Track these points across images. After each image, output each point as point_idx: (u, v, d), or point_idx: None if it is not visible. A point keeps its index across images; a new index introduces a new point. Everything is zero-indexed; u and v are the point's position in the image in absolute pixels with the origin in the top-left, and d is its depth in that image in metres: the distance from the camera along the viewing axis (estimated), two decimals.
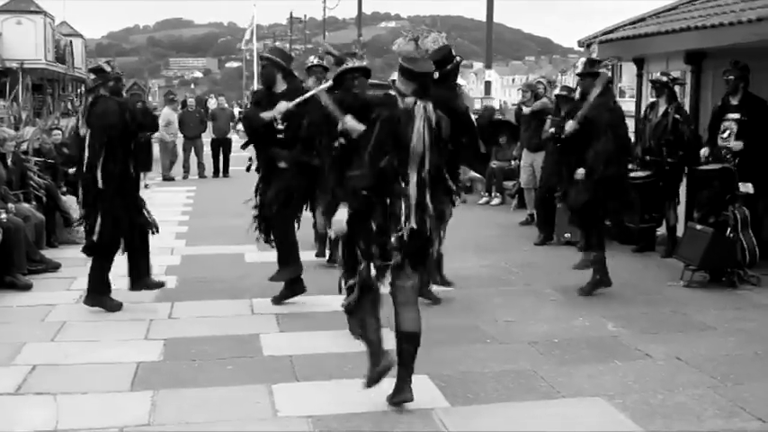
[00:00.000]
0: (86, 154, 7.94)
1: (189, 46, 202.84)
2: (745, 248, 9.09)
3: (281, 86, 8.25)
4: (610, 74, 9.07)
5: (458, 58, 8.09)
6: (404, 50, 7.86)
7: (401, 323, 5.56)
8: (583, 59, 9.90)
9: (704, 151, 9.92)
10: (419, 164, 5.40)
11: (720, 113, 9.89)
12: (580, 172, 8.64)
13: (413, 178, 5.40)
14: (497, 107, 22.63)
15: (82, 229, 11.00)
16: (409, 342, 5.56)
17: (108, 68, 8.20)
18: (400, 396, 5.58)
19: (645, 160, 10.75)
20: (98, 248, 8.10)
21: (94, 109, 7.99)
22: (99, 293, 8.16)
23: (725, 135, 9.75)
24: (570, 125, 8.73)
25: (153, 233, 8.45)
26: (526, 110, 13.26)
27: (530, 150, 13.18)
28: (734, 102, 9.76)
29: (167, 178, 21.21)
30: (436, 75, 7.93)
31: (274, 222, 8.37)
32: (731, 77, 9.70)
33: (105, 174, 7.85)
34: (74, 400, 5.84)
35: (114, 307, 8.14)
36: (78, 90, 46.57)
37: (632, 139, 11.58)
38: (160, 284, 8.57)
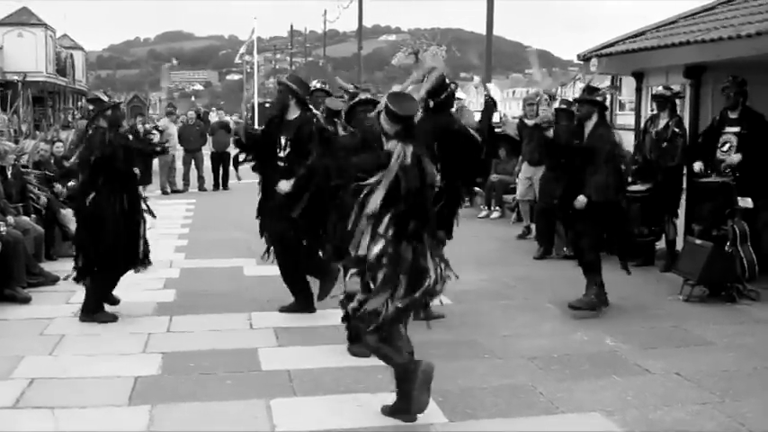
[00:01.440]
0: (79, 181, 8.13)
1: (189, 58, 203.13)
2: (745, 263, 9.08)
3: (293, 113, 8.33)
4: (609, 102, 9.01)
5: (452, 86, 8.12)
6: (404, 64, 7.90)
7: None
8: (581, 85, 9.88)
9: (698, 165, 9.93)
10: (396, 202, 5.41)
11: (719, 127, 9.91)
12: (581, 200, 8.60)
13: (386, 217, 5.40)
14: (497, 119, 22.61)
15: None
16: None
17: (105, 98, 8.32)
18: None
19: (644, 173, 10.75)
20: (91, 271, 8.20)
21: (89, 140, 8.09)
22: (92, 311, 8.26)
23: (724, 149, 9.77)
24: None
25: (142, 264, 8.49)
26: (529, 122, 13.21)
27: (530, 164, 13.15)
28: (733, 115, 9.79)
29: (174, 191, 21.17)
30: (431, 104, 8.03)
31: (280, 262, 8.50)
32: (731, 93, 9.73)
33: (96, 202, 7.99)
34: (72, 414, 5.83)
35: (109, 319, 8.21)
36: (79, 103, 46.66)
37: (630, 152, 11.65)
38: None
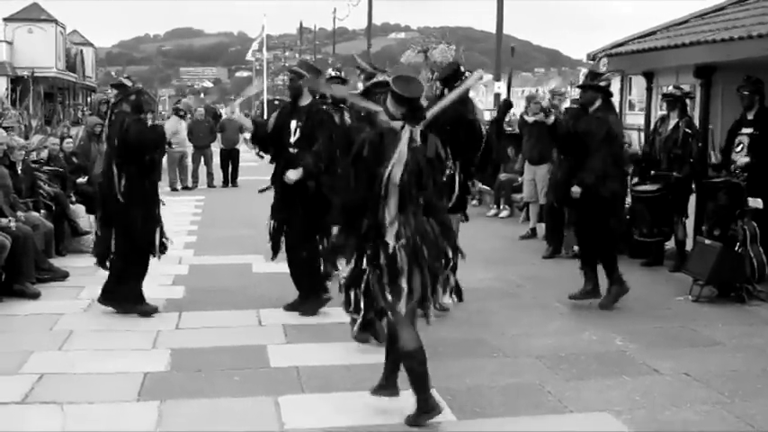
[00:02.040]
0: (105, 168, 8.17)
1: (199, 55, 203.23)
2: (754, 263, 9.07)
3: (305, 99, 8.32)
4: (612, 87, 8.99)
5: (466, 74, 8.10)
6: (413, 62, 7.90)
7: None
8: (585, 71, 9.88)
9: (714, 156, 9.93)
10: (402, 185, 5.30)
11: (736, 128, 9.89)
12: (575, 191, 8.61)
13: (393, 200, 5.31)
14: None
15: (91, 237, 11.15)
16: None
17: (128, 83, 8.36)
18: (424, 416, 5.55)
19: (654, 174, 10.73)
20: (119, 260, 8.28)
21: (114, 125, 8.13)
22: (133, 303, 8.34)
23: (738, 149, 9.74)
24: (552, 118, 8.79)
25: (154, 255, 8.51)
26: (529, 119, 13.18)
27: (531, 163, 13.09)
28: (749, 116, 9.76)
29: (184, 187, 21.14)
30: (445, 91, 8.02)
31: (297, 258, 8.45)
32: (746, 92, 9.69)
33: (124, 188, 8.03)
34: (80, 410, 5.85)
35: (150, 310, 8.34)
36: (88, 99, 46.77)
37: (638, 151, 11.63)
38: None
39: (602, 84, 8.83)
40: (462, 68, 8.27)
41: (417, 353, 5.46)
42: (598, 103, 8.72)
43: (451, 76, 8.17)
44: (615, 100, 11.31)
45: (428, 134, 5.51)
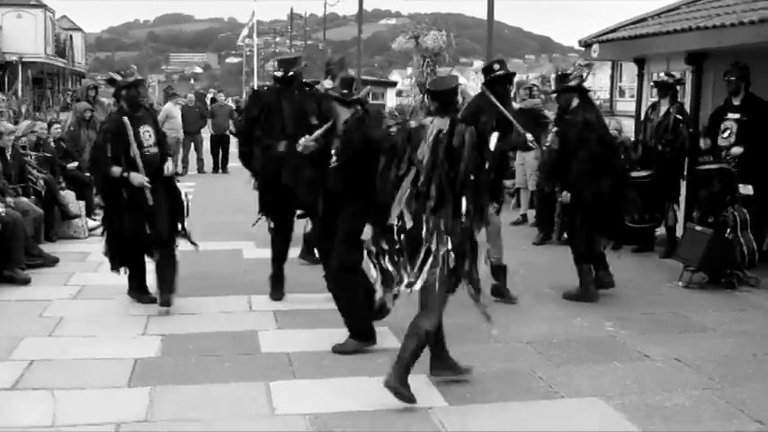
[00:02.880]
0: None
1: (189, 41, 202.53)
2: (745, 250, 9.09)
3: None
4: (586, 82, 8.91)
5: (502, 69, 8.17)
6: (404, 48, 7.89)
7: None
8: (554, 75, 9.79)
9: (704, 142, 9.93)
10: (423, 173, 5.53)
11: (722, 113, 9.89)
12: (565, 196, 8.61)
13: (406, 183, 5.57)
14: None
15: (80, 223, 11.08)
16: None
17: (118, 77, 8.10)
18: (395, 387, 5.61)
19: (646, 160, 10.75)
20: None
21: (102, 125, 8.16)
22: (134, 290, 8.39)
23: (725, 135, 9.75)
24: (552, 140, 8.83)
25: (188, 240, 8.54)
26: (516, 105, 13.13)
27: (521, 150, 13.04)
28: (735, 102, 9.77)
29: (175, 173, 20.94)
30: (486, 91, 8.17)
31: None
32: (732, 78, 9.71)
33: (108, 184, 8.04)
34: (71, 396, 5.84)
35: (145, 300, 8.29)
36: (77, 84, 46.53)
37: (629, 138, 11.62)
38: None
39: (573, 83, 8.76)
40: (495, 66, 8.38)
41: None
42: (575, 102, 8.69)
43: (489, 66, 8.24)
44: (606, 86, 11.27)
45: (457, 124, 5.62)
